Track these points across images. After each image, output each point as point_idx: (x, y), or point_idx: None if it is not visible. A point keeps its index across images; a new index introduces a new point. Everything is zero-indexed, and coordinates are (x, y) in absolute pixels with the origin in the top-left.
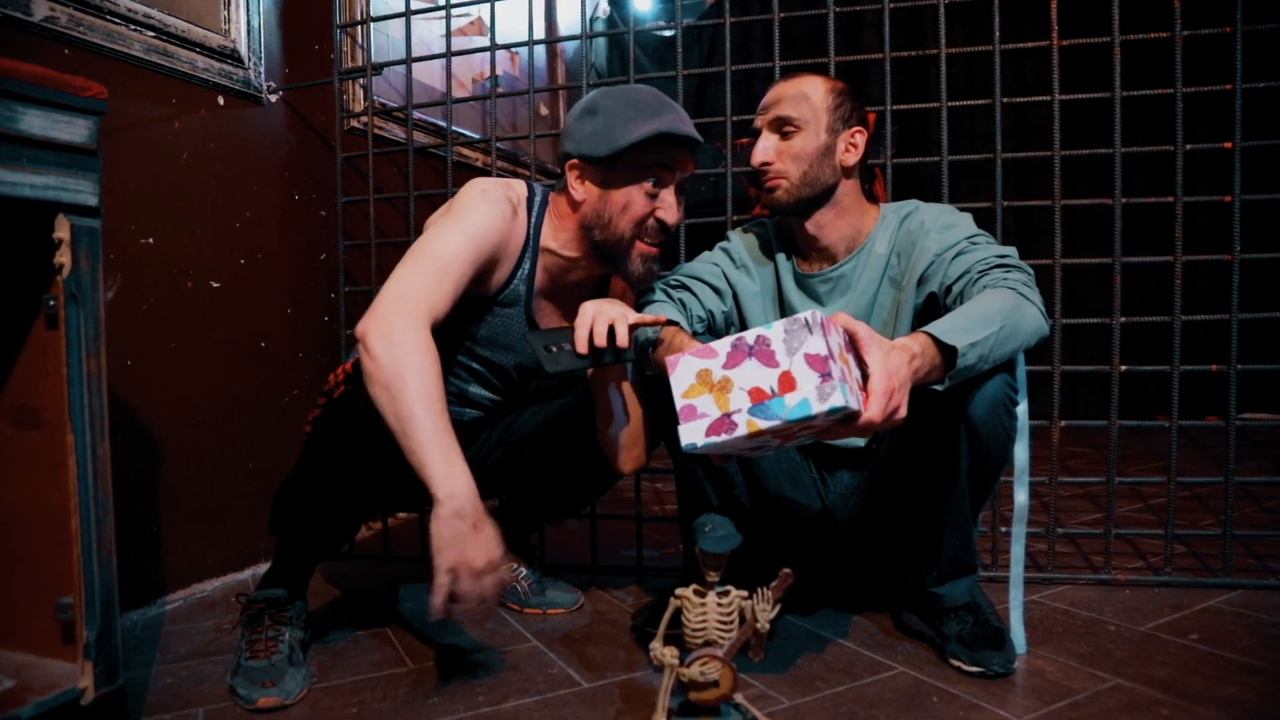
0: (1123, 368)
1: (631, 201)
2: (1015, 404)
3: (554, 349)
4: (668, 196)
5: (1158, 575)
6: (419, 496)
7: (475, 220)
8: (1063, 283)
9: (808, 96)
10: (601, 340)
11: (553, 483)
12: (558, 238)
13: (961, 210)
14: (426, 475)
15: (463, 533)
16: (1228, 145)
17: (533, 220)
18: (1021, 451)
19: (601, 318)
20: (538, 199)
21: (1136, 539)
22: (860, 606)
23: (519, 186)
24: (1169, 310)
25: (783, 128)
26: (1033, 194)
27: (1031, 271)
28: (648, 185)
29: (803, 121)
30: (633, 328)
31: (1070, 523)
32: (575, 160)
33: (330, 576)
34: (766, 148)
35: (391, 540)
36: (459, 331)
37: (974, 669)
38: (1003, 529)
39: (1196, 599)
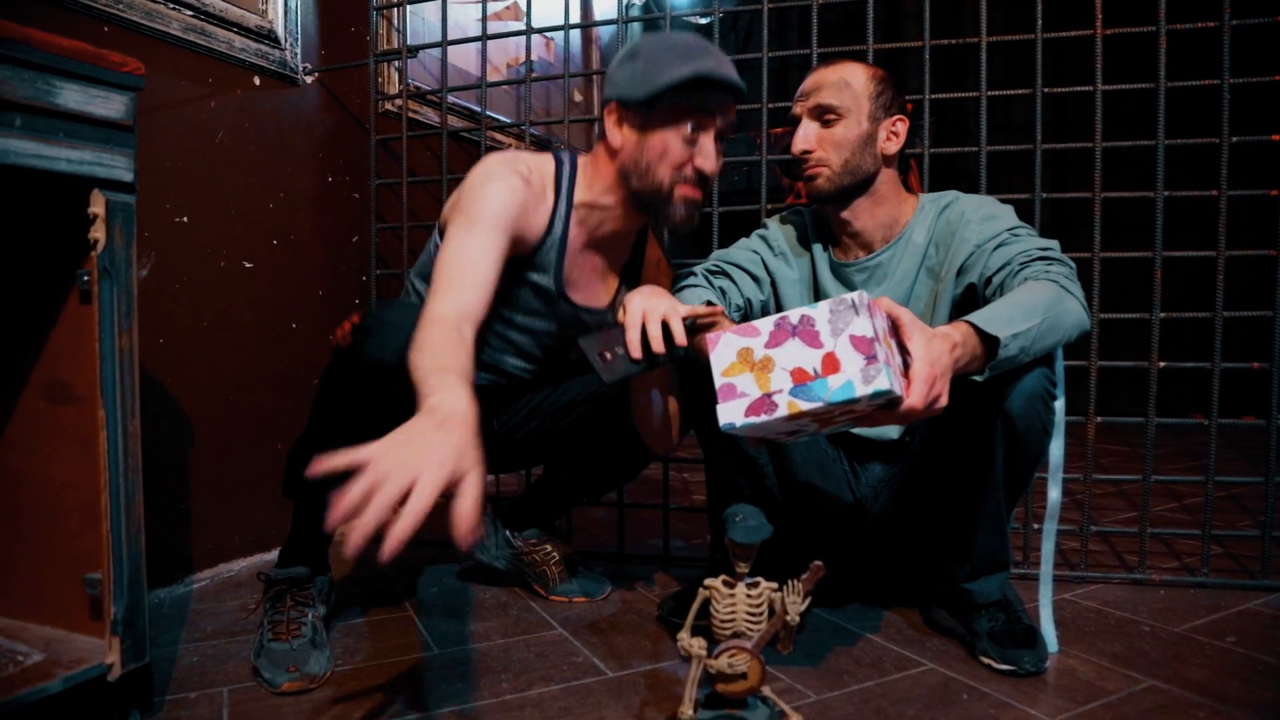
0: (1161, 364)
1: (669, 147)
2: (1054, 398)
3: (607, 355)
4: (706, 143)
5: (1193, 576)
6: None
7: (490, 207)
8: (1100, 276)
9: (849, 84)
10: (658, 344)
11: (586, 458)
12: (593, 188)
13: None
14: (420, 395)
15: (420, 428)
16: (1275, 138)
17: (563, 186)
18: (1057, 448)
19: (653, 315)
20: (566, 164)
21: (1171, 538)
22: (890, 601)
23: (529, 158)
24: (1204, 306)
25: (824, 115)
26: (1069, 187)
27: (1073, 265)
28: (686, 130)
29: (844, 109)
30: (686, 321)
31: (1103, 521)
32: (614, 104)
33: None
34: (808, 135)
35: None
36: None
37: (1005, 667)
38: (1034, 525)
39: (1233, 601)
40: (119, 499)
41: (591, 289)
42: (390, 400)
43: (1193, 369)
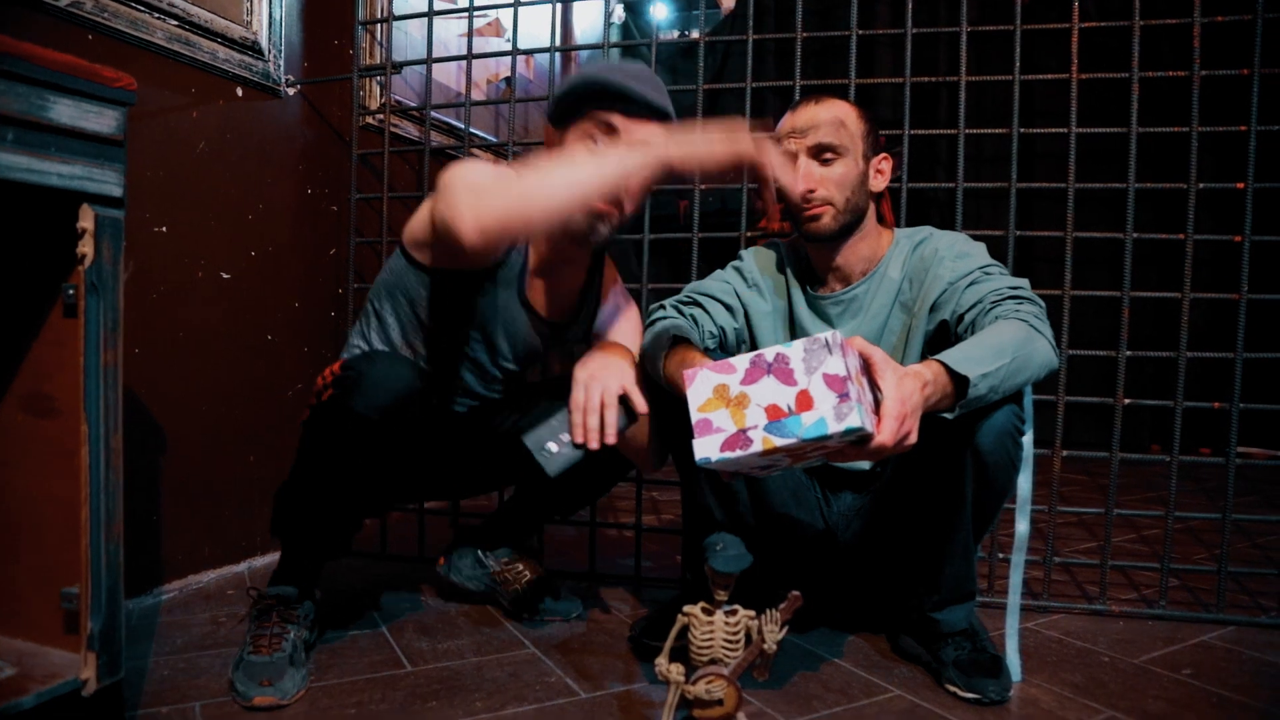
0: (1126, 401)
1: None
2: (1022, 434)
3: (553, 446)
4: None
5: (1151, 608)
6: (413, 493)
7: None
8: (1069, 313)
9: (844, 124)
10: (594, 439)
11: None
12: None
13: (973, 239)
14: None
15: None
16: (1240, 185)
17: None
18: (1024, 481)
19: (593, 400)
20: None
21: (1131, 570)
22: (857, 627)
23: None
24: (1165, 344)
25: (822, 154)
26: (1035, 222)
27: (1043, 304)
28: (591, 144)
29: (843, 148)
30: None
31: (1065, 551)
32: (547, 124)
33: (327, 573)
34: (810, 174)
35: (389, 538)
36: (455, 311)
37: (970, 695)
38: (1000, 555)
39: (1190, 633)
40: (99, 513)
41: (553, 307)
42: (375, 451)
43: (1150, 406)
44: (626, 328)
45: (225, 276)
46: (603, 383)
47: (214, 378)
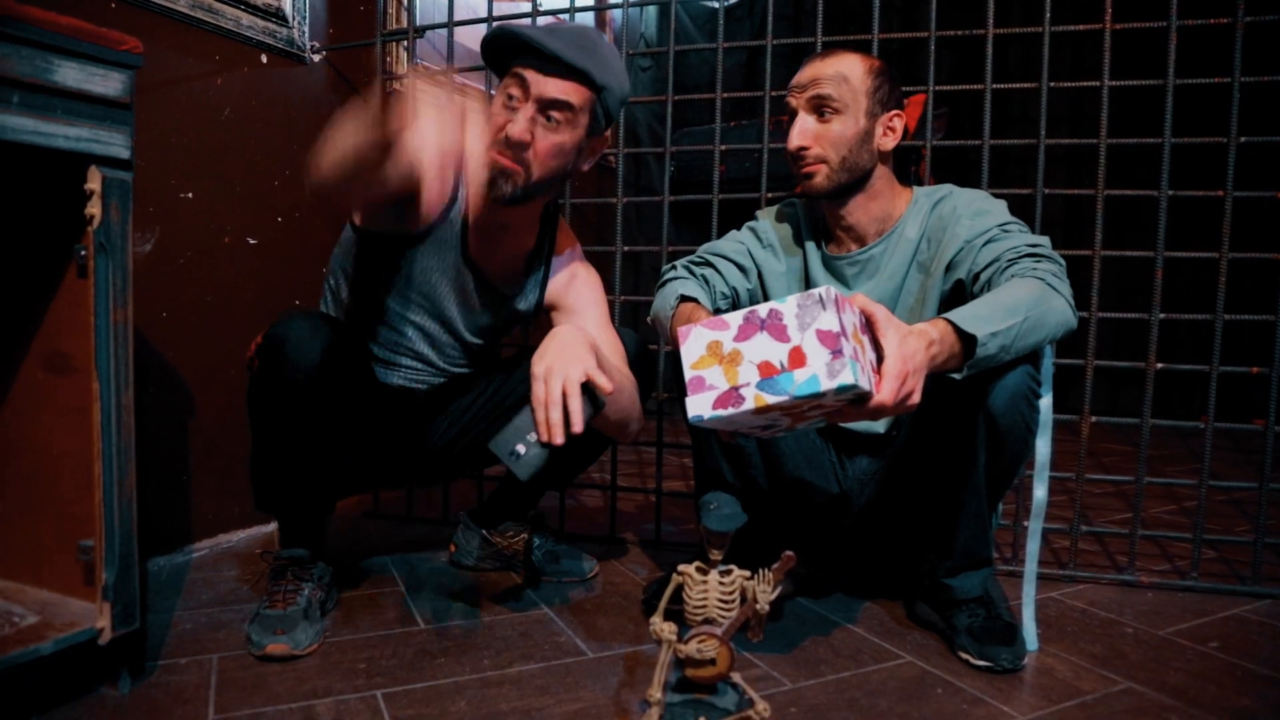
0: (1159, 365)
1: (494, 111)
2: (1038, 397)
3: (520, 448)
4: (521, 109)
5: (1183, 579)
6: (390, 474)
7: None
8: (1102, 275)
9: (847, 78)
10: (575, 424)
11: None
12: (478, 174)
13: (999, 196)
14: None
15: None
16: None
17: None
18: (1043, 446)
19: (555, 382)
20: None
21: (1165, 541)
22: (873, 593)
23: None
24: (1212, 307)
25: (820, 109)
26: (1086, 183)
27: (1063, 262)
28: (504, 97)
29: (842, 104)
30: (587, 385)
31: (1099, 521)
32: None
33: (352, 534)
34: (805, 130)
35: (415, 501)
36: (397, 276)
37: (982, 663)
38: (1024, 523)
39: (1221, 606)
40: (111, 469)
41: (500, 272)
42: (313, 411)
43: (1194, 372)
44: (585, 296)
45: (252, 242)
46: (562, 372)
47: (241, 342)
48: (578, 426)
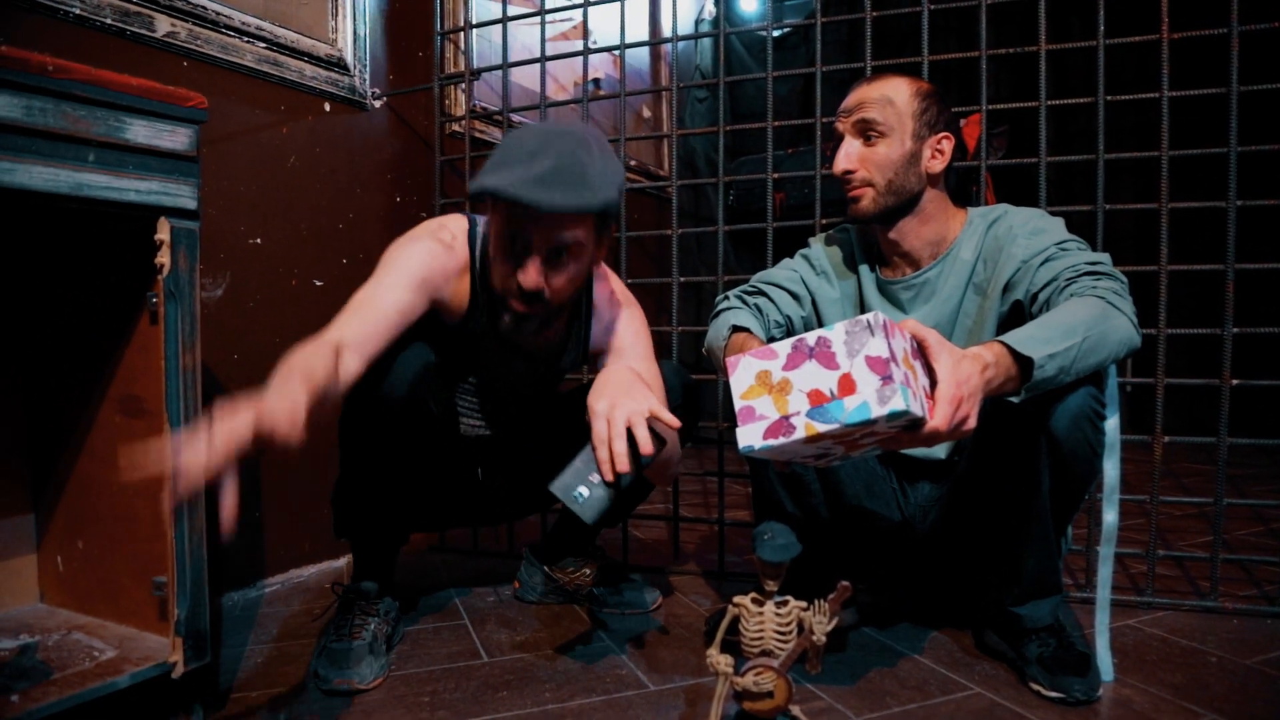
0: (1234, 381)
1: (500, 252)
2: (1102, 418)
3: (584, 491)
4: (529, 261)
5: (1271, 605)
6: (458, 514)
7: (403, 263)
8: (1169, 290)
9: (892, 101)
10: (624, 464)
11: None
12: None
13: (1065, 214)
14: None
15: None
16: None
17: (476, 252)
18: (1112, 469)
19: (618, 430)
20: (479, 229)
21: (1250, 565)
22: (940, 623)
23: (453, 224)
24: None
25: (866, 132)
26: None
27: (1125, 280)
28: (507, 243)
29: (887, 127)
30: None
31: (1180, 545)
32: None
33: (419, 567)
34: (850, 154)
35: (480, 535)
36: (449, 363)
37: (1054, 694)
38: (1096, 548)
39: None
40: (183, 508)
41: (541, 344)
42: (407, 430)
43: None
44: (628, 337)
45: (318, 284)
46: (625, 409)
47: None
48: (647, 448)
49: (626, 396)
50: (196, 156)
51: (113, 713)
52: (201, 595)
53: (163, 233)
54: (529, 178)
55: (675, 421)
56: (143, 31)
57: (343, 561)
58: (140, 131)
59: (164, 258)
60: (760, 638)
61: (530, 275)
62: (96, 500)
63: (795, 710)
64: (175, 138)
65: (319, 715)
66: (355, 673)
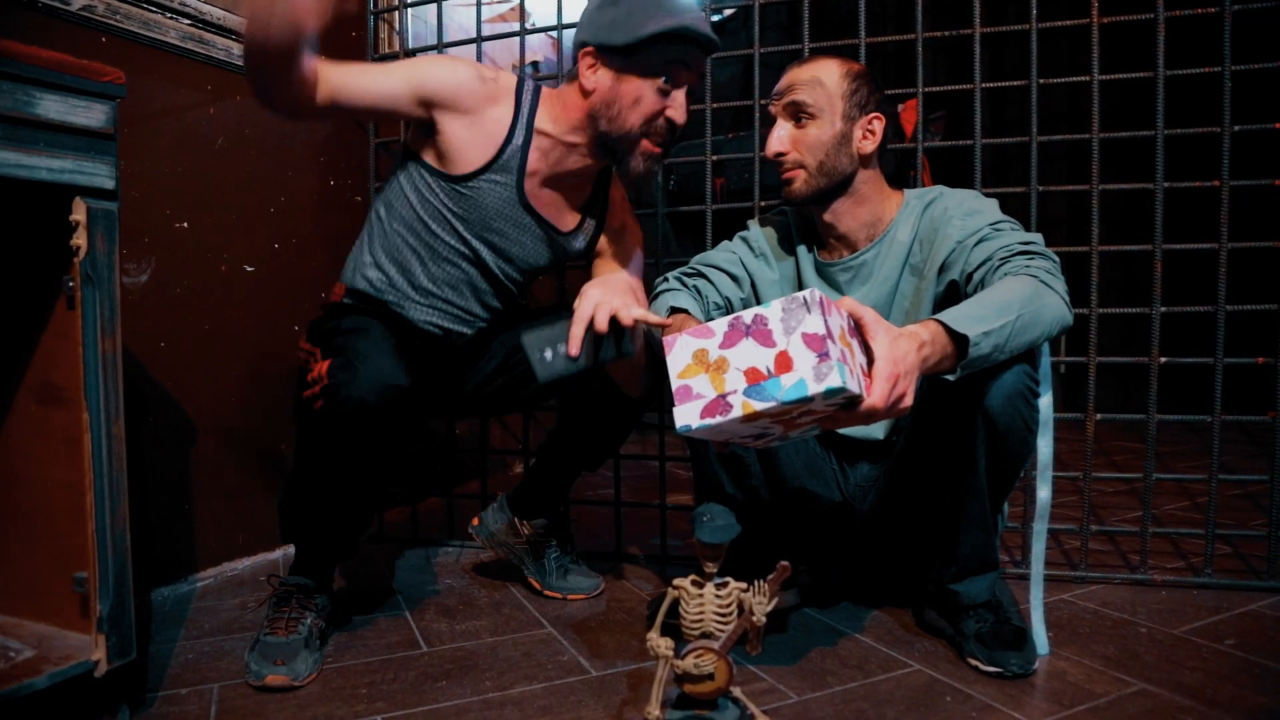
0: (1162, 359)
1: (643, 96)
2: (1036, 395)
3: (548, 353)
4: (679, 96)
5: (1197, 576)
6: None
7: (421, 69)
8: (1101, 271)
9: (822, 82)
10: (603, 325)
11: (572, 424)
12: (558, 123)
13: (1001, 196)
14: None
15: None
16: (1279, 125)
17: (525, 102)
18: (1045, 446)
19: (604, 309)
20: (528, 85)
21: (1178, 538)
22: (881, 601)
23: (492, 69)
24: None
25: (797, 114)
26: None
27: (1057, 259)
28: (661, 81)
29: (817, 109)
30: (637, 323)
31: (1111, 520)
32: (591, 48)
33: (358, 558)
34: (782, 136)
35: (419, 521)
36: (453, 207)
37: (991, 669)
38: (1031, 525)
39: (1237, 602)
40: (104, 499)
41: (553, 212)
42: (382, 440)
43: (1202, 365)
44: (630, 249)
45: (249, 269)
46: (610, 304)
47: (241, 368)
48: (602, 325)
49: (620, 296)
50: (114, 134)
51: (31, 716)
52: (125, 590)
53: (78, 213)
54: (701, 20)
55: (668, 321)
56: (57, 4)
57: (278, 554)
58: (52, 107)
59: (80, 240)
60: (700, 620)
61: (683, 110)
62: (13, 493)
63: (736, 692)
64: (90, 114)
65: (253, 710)
66: (289, 668)
